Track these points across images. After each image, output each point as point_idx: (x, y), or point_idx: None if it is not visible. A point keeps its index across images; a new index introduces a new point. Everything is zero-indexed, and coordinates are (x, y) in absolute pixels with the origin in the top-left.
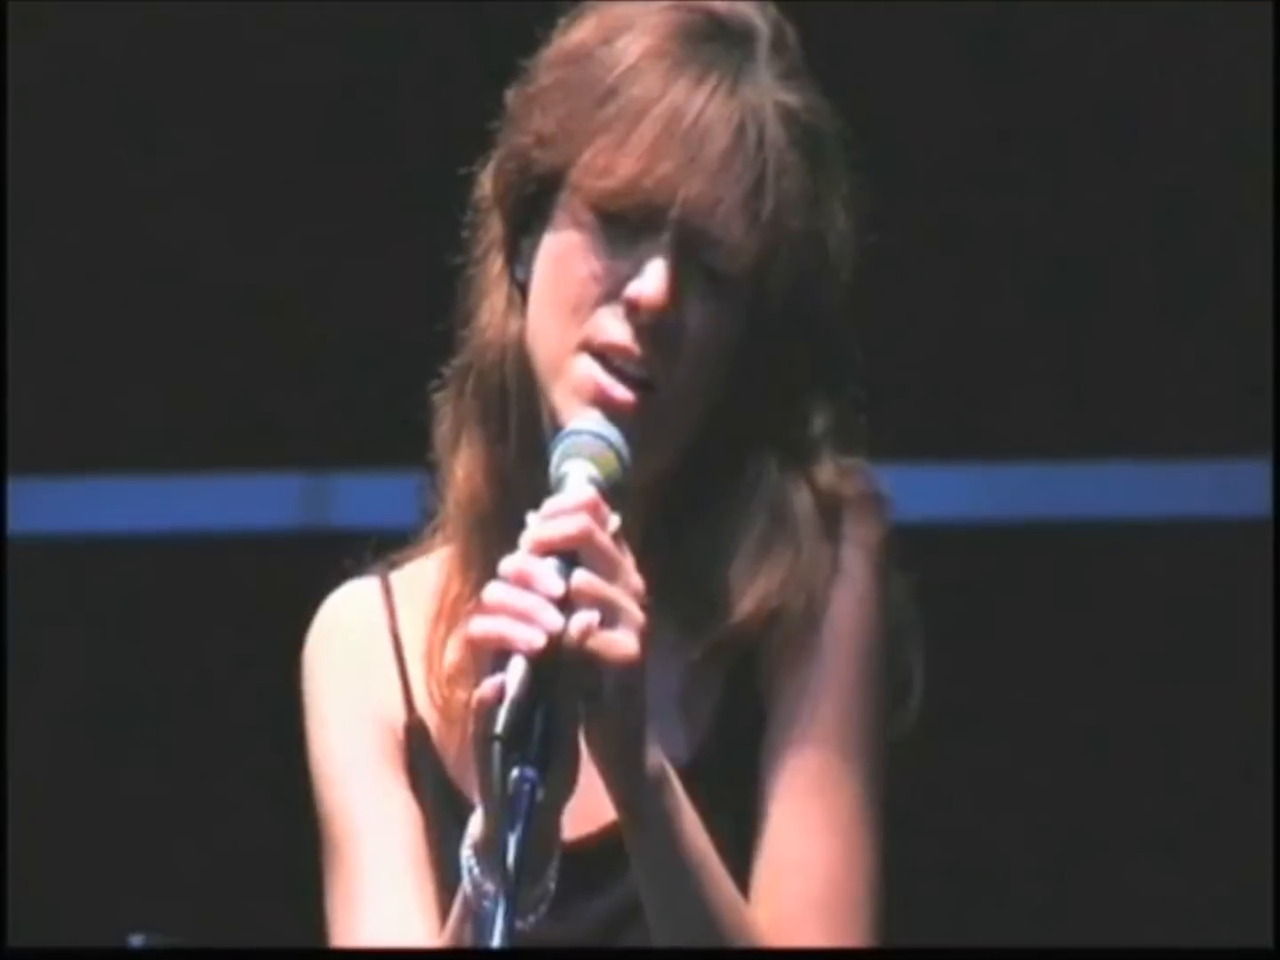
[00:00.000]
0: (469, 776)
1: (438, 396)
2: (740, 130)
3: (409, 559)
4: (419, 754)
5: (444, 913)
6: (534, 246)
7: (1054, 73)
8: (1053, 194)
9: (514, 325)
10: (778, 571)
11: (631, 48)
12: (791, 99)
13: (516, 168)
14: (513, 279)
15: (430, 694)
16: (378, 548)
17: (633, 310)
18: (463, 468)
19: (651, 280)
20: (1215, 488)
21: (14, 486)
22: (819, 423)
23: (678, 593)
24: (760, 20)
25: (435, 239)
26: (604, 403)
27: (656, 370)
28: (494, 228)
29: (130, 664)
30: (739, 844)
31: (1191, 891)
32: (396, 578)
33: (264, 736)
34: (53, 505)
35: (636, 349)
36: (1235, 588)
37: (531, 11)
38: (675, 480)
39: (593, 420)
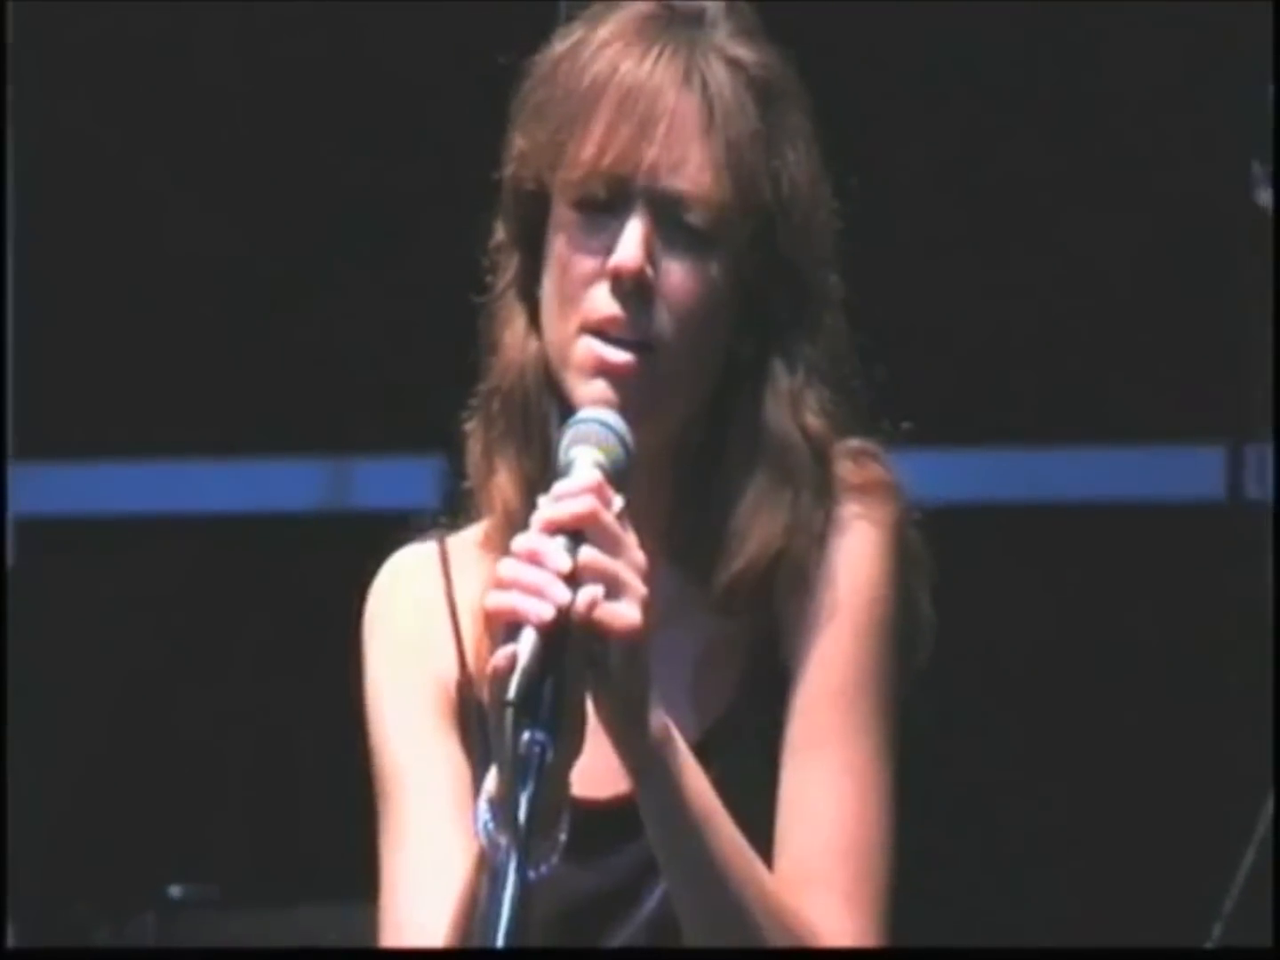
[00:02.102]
0: None
1: (468, 425)
2: (686, 81)
3: (464, 526)
4: (470, 710)
5: None
6: (544, 268)
7: (1045, 71)
8: (1034, 196)
9: (533, 345)
10: (779, 516)
11: (590, 47)
12: (740, 52)
13: (511, 197)
14: (532, 305)
15: (480, 660)
16: (435, 515)
17: (616, 280)
18: (497, 484)
19: (627, 246)
20: (1173, 472)
21: (56, 471)
22: (801, 366)
23: (704, 548)
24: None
25: (452, 240)
26: (605, 371)
27: (650, 331)
28: (510, 266)
29: (165, 637)
30: (770, 795)
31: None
32: (453, 543)
33: (287, 701)
34: (93, 489)
35: (625, 315)
36: (1193, 564)
37: None
38: (700, 440)
39: (597, 410)
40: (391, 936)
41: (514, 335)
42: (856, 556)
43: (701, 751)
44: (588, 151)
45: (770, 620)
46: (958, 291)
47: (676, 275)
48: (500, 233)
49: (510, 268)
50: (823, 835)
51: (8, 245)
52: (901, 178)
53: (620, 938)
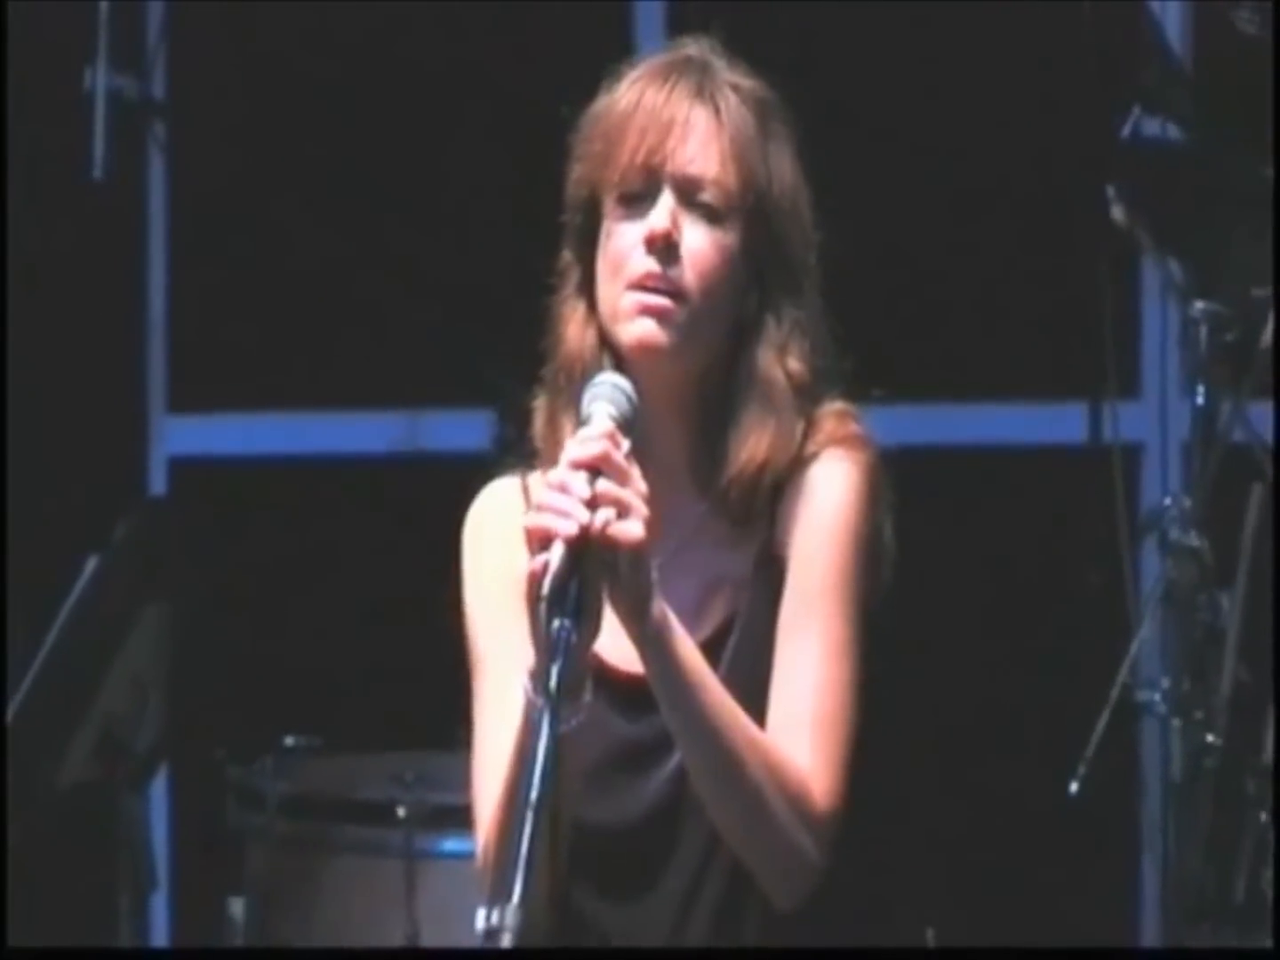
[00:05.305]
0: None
1: (535, 402)
2: (698, 96)
3: (540, 465)
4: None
5: None
6: (597, 257)
7: (922, 94)
8: (938, 206)
9: (590, 333)
10: (765, 436)
11: (622, 88)
12: (740, 80)
13: (572, 213)
14: (589, 304)
15: None
16: (525, 455)
17: (651, 242)
18: (561, 441)
19: (657, 215)
20: (1045, 422)
21: (197, 422)
22: (787, 322)
23: (715, 472)
24: (717, 55)
25: (510, 224)
26: (647, 312)
27: (679, 283)
28: (572, 278)
29: (280, 550)
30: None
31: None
32: (532, 477)
33: (374, 596)
34: (218, 435)
35: (660, 269)
36: (1060, 493)
37: None
38: (715, 390)
39: (611, 374)
40: (479, 772)
41: (575, 327)
42: (839, 490)
43: (718, 642)
44: (625, 154)
45: (770, 538)
46: (883, 282)
47: (696, 241)
48: (566, 255)
49: (572, 279)
50: (801, 691)
51: (151, 246)
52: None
53: (656, 780)
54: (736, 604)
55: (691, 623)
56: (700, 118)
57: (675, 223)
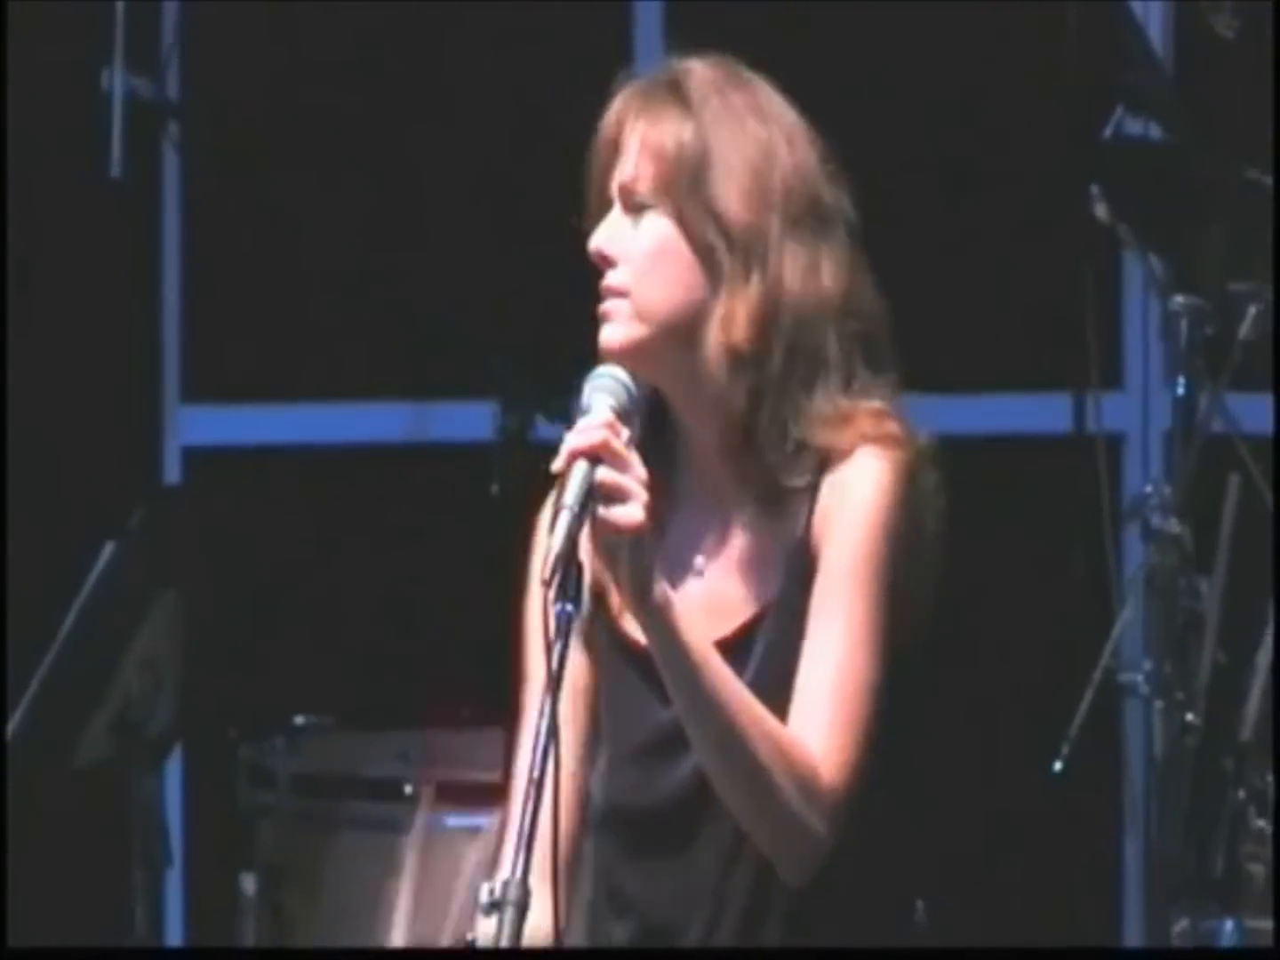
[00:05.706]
0: (630, 623)
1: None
2: (635, 111)
3: None
4: (595, 607)
5: (593, 719)
6: None
7: (922, 99)
8: (933, 217)
9: None
10: (723, 406)
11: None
12: (681, 73)
13: None
14: None
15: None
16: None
17: (599, 264)
18: None
19: (598, 234)
20: (1033, 412)
21: (210, 411)
22: (733, 287)
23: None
24: (678, 59)
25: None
26: (603, 320)
27: (622, 284)
28: None
29: (290, 536)
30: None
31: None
32: None
33: (381, 580)
34: (230, 425)
35: (607, 281)
36: (1047, 479)
37: None
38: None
39: (611, 366)
40: (514, 761)
41: None
42: (869, 488)
43: (753, 629)
44: (592, 195)
45: (806, 532)
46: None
47: (631, 239)
48: None
49: None
50: (822, 673)
51: (166, 241)
52: None
53: (684, 766)
54: (772, 592)
55: (729, 610)
56: (637, 128)
57: (610, 236)
